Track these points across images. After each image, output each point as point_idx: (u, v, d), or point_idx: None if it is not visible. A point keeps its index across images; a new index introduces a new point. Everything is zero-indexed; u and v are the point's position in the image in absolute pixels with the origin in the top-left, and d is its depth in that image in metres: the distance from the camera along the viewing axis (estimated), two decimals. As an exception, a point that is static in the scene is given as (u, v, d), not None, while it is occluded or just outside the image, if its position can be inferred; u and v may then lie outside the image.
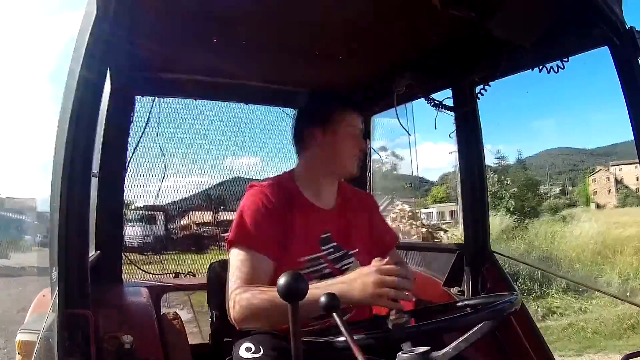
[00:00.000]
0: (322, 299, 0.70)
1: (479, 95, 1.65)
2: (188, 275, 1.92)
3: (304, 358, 0.66)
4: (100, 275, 1.47)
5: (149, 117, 1.85)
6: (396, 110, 1.83)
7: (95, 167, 1.60)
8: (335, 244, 1.31)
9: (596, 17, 1.17)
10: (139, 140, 1.82)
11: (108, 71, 1.19)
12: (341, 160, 1.33)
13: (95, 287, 0.99)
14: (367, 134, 2.24)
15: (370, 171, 2.28)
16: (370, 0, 1.34)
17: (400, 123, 1.91)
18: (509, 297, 1.00)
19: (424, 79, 1.77)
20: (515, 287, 1.67)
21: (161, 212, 4.68)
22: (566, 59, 1.37)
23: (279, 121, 2.32)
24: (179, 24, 1.43)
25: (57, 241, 0.87)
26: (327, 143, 1.31)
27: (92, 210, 1.48)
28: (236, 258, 1.19)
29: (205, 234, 5.18)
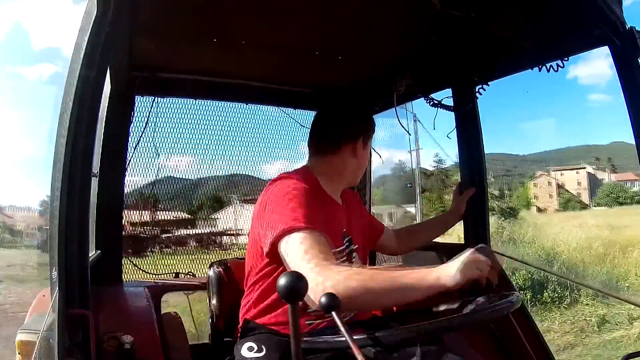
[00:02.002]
0: (322, 299, 0.70)
1: (480, 91, 1.66)
2: (188, 275, 1.92)
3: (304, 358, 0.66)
4: (100, 275, 1.47)
5: (148, 117, 1.85)
6: (396, 110, 1.83)
7: (95, 167, 1.60)
8: (349, 237, 1.35)
9: (596, 17, 1.17)
10: (139, 140, 1.82)
11: (108, 71, 1.19)
12: (360, 173, 1.43)
13: (95, 287, 0.99)
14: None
15: (370, 172, 2.29)
16: (370, 0, 1.34)
17: (400, 123, 1.91)
18: (509, 297, 1.00)
19: (424, 79, 1.77)
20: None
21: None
22: (566, 59, 1.37)
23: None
24: (179, 23, 1.43)
25: (57, 241, 0.87)
26: (361, 155, 1.36)
27: (92, 210, 1.49)
28: (304, 242, 1.03)
29: (142, 235, 4.72)
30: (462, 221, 1.78)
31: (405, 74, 1.77)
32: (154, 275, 1.90)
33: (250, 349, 1.17)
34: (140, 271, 1.99)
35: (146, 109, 1.85)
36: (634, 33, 1.15)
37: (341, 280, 0.93)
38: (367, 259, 1.49)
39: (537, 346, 1.55)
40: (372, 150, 2.27)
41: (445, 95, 1.77)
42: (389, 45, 1.64)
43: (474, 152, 1.75)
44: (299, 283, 0.63)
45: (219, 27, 1.47)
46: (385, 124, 2.26)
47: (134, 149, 1.79)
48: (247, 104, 2.17)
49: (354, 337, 0.67)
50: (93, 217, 1.63)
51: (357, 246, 1.36)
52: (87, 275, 0.93)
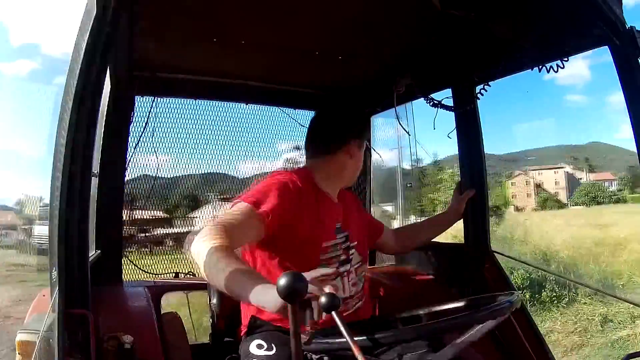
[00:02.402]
0: (322, 299, 0.70)
1: (478, 95, 1.66)
2: (188, 275, 1.92)
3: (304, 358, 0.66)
4: (100, 275, 1.47)
5: (148, 117, 1.85)
6: (396, 110, 1.84)
7: (96, 167, 1.60)
8: (346, 233, 1.37)
9: (596, 17, 1.17)
10: (139, 140, 1.82)
11: (108, 71, 1.19)
12: (356, 174, 1.46)
13: (95, 287, 0.99)
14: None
15: (370, 172, 2.29)
16: (370, 0, 1.34)
17: (400, 123, 1.91)
18: (509, 297, 1.00)
19: (424, 79, 1.77)
20: (515, 289, 1.66)
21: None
22: (566, 59, 1.37)
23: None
24: (179, 23, 1.43)
25: (57, 241, 0.87)
26: (357, 156, 1.41)
27: (92, 210, 1.49)
28: (234, 207, 1.14)
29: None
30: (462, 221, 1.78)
31: (405, 74, 1.77)
32: (154, 275, 1.90)
33: (260, 346, 1.16)
34: (141, 271, 1.99)
35: (146, 109, 1.85)
36: (634, 33, 1.15)
37: (199, 246, 0.97)
38: (366, 257, 1.51)
39: (537, 346, 1.55)
40: (373, 150, 2.28)
41: (445, 96, 1.77)
42: (389, 45, 1.64)
43: (474, 152, 1.75)
44: (299, 283, 0.63)
45: (219, 27, 1.47)
46: (381, 124, 2.28)
47: (134, 149, 1.79)
48: (246, 104, 2.17)
49: (355, 338, 0.67)
50: (93, 217, 1.63)
51: (355, 243, 1.39)
52: (87, 275, 0.93)
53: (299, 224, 1.23)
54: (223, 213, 1.17)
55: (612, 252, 8.63)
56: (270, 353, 1.14)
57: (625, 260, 8.09)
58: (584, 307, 6.13)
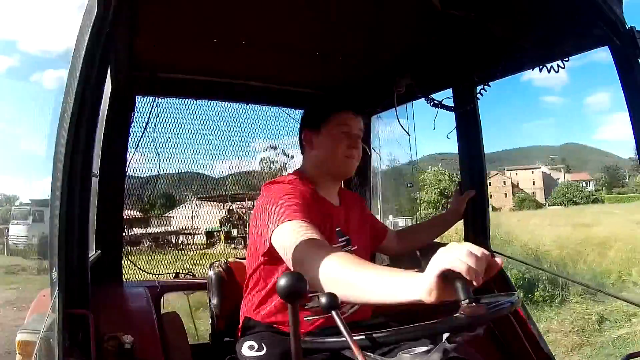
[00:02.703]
0: (322, 299, 0.70)
1: (478, 95, 1.66)
2: (188, 275, 1.92)
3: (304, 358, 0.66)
4: (100, 275, 1.47)
5: (149, 117, 1.85)
6: (396, 110, 1.83)
7: (96, 167, 1.60)
8: (347, 237, 1.36)
9: (596, 17, 1.17)
10: (139, 140, 1.82)
11: (108, 71, 1.19)
12: (334, 161, 1.35)
13: (95, 287, 0.99)
14: (366, 134, 2.25)
15: (370, 172, 2.28)
16: (370, 0, 1.34)
17: (400, 123, 1.91)
18: (509, 297, 1.00)
19: (424, 79, 1.77)
20: (514, 289, 1.66)
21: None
22: (566, 59, 1.37)
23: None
24: (179, 23, 1.43)
25: (58, 241, 0.87)
26: (321, 145, 1.35)
27: (92, 210, 1.48)
28: (291, 229, 1.04)
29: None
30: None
31: (405, 74, 1.77)
32: (154, 275, 1.90)
33: (251, 347, 1.17)
34: (141, 271, 1.99)
35: (146, 109, 1.86)
36: (634, 33, 1.15)
37: (316, 272, 0.89)
38: (367, 260, 1.49)
39: (537, 346, 1.55)
40: (373, 151, 2.28)
41: (445, 96, 1.77)
42: (389, 45, 1.64)
43: (474, 152, 1.75)
44: (299, 283, 0.63)
45: (219, 27, 1.48)
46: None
47: (135, 149, 1.79)
48: (247, 104, 2.17)
49: (355, 338, 0.67)
50: (93, 217, 1.63)
51: (355, 247, 1.36)
52: (87, 275, 0.93)
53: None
54: (287, 240, 1.04)
55: (598, 251, 8.64)
56: (261, 354, 1.15)
57: (613, 259, 8.12)
58: (577, 306, 6.13)
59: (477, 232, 1.74)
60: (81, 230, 0.92)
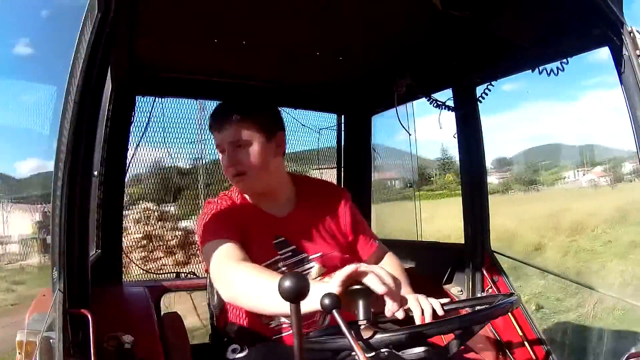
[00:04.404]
0: (322, 299, 0.70)
1: (482, 95, 1.66)
2: (189, 275, 1.92)
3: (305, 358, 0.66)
4: (100, 275, 1.47)
5: (149, 117, 1.85)
6: (396, 110, 1.84)
7: (96, 167, 1.60)
8: (293, 247, 1.25)
9: (596, 17, 1.17)
10: (140, 140, 1.82)
11: (108, 71, 1.19)
12: (228, 171, 1.23)
13: (95, 287, 0.99)
14: (366, 134, 2.25)
15: (371, 171, 2.29)
16: (371, 0, 1.34)
17: (401, 123, 1.91)
18: (509, 297, 1.00)
19: (424, 79, 1.77)
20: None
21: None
22: (566, 60, 1.37)
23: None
24: (180, 23, 1.43)
25: (58, 241, 0.87)
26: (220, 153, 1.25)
27: (92, 210, 1.48)
28: (212, 248, 1.10)
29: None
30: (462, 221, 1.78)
31: (405, 74, 1.77)
32: (154, 275, 1.90)
33: (234, 350, 1.19)
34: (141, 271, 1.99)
35: (147, 109, 1.86)
36: (634, 33, 1.15)
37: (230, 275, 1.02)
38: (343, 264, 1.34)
39: (537, 346, 1.55)
40: (373, 151, 2.28)
41: (446, 96, 1.77)
42: (389, 45, 1.64)
43: (473, 152, 1.75)
44: (300, 283, 0.63)
45: (219, 27, 1.48)
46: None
47: (135, 149, 1.79)
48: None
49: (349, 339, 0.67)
50: (93, 217, 1.63)
51: (318, 254, 1.26)
52: (87, 275, 0.93)
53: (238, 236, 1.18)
54: (209, 260, 1.11)
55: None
56: (242, 355, 1.16)
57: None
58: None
59: (477, 232, 1.74)
60: (81, 230, 0.92)
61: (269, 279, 0.93)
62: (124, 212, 1.80)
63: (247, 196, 1.29)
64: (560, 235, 10.07)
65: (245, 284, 0.98)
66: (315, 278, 1.24)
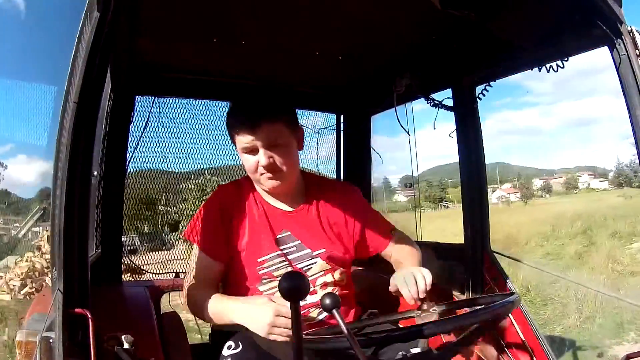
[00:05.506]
0: (323, 299, 0.70)
1: (480, 95, 1.66)
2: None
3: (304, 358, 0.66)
4: (100, 275, 1.47)
5: (149, 117, 1.85)
6: (396, 110, 1.84)
7: (96, 167, 1.60)
8: (297, 242, 1.28)
9: (596, 17, 1.17)
10: (139, 140, 1.82)
11: (108, 71, 1.19)
12: (254, 180, 1.27)
13: (95, 287, 0.99)
14: (366, 134, 2.25)
15: (370, 171, 2.28)
16: (370, 0, 1.34)
17: (400, 123, 1.91)
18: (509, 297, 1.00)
19: (424, 79, 1.77)
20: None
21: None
22: (566, 59, 1.37)
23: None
24: (179, 23, 1.43)
25: (58, 241, 0.87)
26: (239, 151, 1.24)
27: (92, 210, 1.48)
28: (193, 254, 1.29)
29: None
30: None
31: (404, 73, 1.77)
32: (154, 275, 1.90)
33: (229, 347, 1.20)
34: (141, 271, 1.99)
35: (146, 109, 1.85)
36: (634, 33, 1.15)
37: (188, 294, 1.26)
38: (346, 262, 1.36)
39: (536, 346, 1.55)
40: (373, 150, 2.28)
41: (446, 96, 1.77)
42: (389, 45, 1.64)
43: (473, 152, 1.75)
44: (300, 283, 0.63)
45: (219, 27, 1.47)
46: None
47: (134, 149, 1.79)
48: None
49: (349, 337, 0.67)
50: (93, 217, 1.63)
51: (322, 250, 1.28)
52: (87, 275, 0.93)
53: (235, 239, 1.26)
54: (190, 264, 1.30)
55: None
56: (237, 351, 1.18)
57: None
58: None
59: (476, 232, 1.74)
60: (81, 230, 0.92)
61: (224, 312, 1.15)
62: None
63: (259, 189, 1.31)
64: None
65: (207, 311, 1.18)
66: (318, 274, 1.28)
